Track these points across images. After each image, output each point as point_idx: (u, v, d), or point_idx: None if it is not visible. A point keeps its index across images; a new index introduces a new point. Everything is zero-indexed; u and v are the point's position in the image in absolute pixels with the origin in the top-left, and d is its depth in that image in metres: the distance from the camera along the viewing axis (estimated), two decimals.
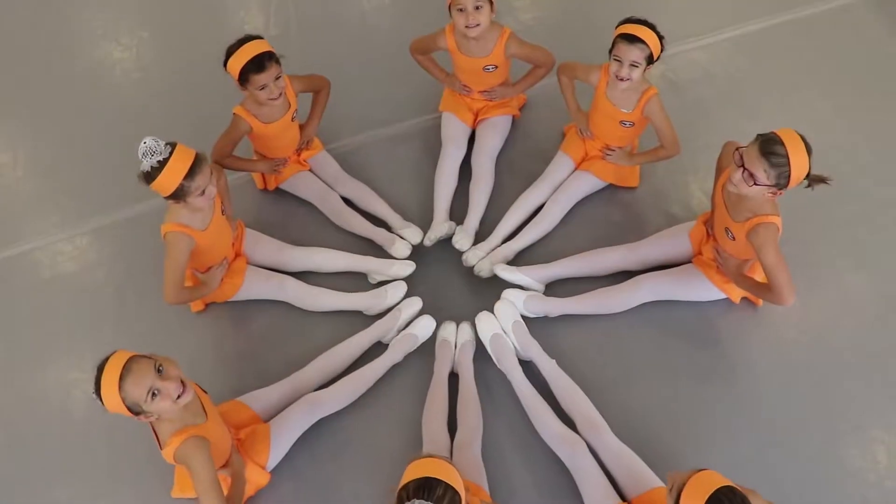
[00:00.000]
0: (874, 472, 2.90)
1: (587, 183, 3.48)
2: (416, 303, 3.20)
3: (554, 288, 3.29)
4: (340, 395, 2.99)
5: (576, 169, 3.52)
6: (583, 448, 2.81)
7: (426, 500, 2.08)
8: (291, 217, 3.50)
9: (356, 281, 3.32)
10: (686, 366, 3.14)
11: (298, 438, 2.90)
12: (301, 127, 3.41)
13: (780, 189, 2.70)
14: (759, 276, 3.12)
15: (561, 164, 3.50)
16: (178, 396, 2.34)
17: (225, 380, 3.11)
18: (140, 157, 2.68)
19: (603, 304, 3.20)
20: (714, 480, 2.13)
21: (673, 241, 3.26)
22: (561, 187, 3.47)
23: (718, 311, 3.24)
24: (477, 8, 3.15)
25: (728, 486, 2.11)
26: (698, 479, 2.14)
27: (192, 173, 2.70)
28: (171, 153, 2.68)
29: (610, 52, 3.14)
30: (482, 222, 3.43)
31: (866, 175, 3.53)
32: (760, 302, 3.21)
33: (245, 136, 3.25)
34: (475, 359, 3.11)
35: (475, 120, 3.63)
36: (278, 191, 3.53)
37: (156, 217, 3.39)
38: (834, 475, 2.90)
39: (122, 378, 2.26)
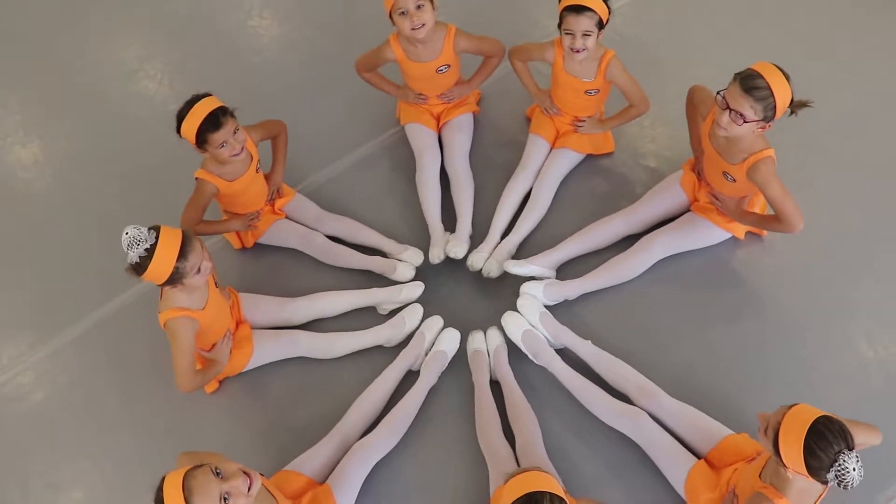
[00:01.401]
0: None
1: (567, 159, 3.49)
2: (436, 321, 3.16)
3: (565, 270, 3.30)
4: (388, 434, 2.92)
5: (552, 148, 3.53)
6: (644, 418, 2.83)
7: None
8: (279, 270, 3.40)
9: (367, 316, 3.26)
10: (713, 311, 3.20)
11: (361, 490, 2.82)
12: (266, 177, 3.32)
13: (768, 122, 2.76)
14: (759, 209, 3.20)
15: (536, 147, 3.51)
16: (249, 489, 2.23)
17: (265, 453, 3.00)
18: (125, 248, 2.57)
19: (618, 274, 3.22)
20: (809, 413, 2.16)
21: (667, 195, 3.31)
22: (542, 170, 3.48)
23: (727, 251, 3.31)
24: (419, 7, 3.12)
25: (825, 416, 2.14)
26: (793, 415, 2.17)
27: (184, 254, 2.60)
28: (157, 238, 2.58)
29: (559, 26, 3.15)
30: (474, 224, 3.41)
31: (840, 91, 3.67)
32: (765, 232, 3.28)
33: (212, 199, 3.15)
34: (510, 361, 3.08)
35: (438, 125, 3.60)
36: (258, 246, 3.43)
37: (137, 307, 3.34)
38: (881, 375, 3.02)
39: (188, 501, 2.12)
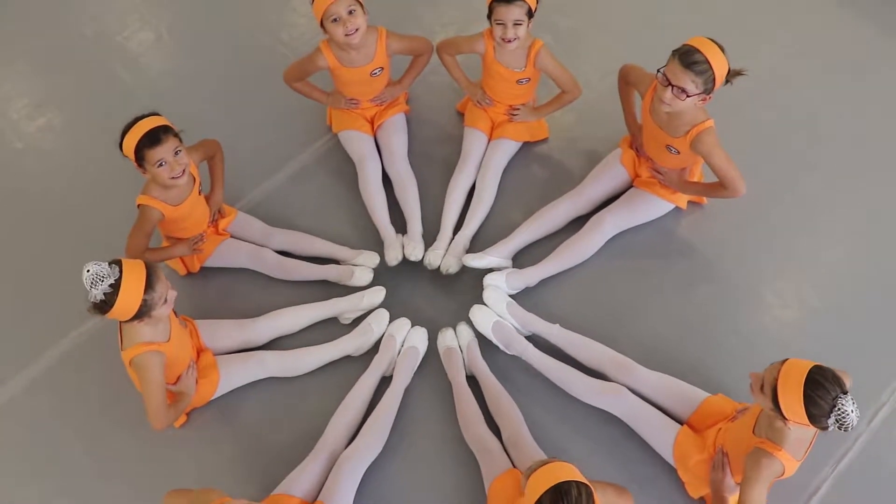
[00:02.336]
0: None
1: (506, 148, 3.55)
2: (404, 323, 3.16)
3: (520, 259, 3.36)
4: (372, 441, 2.90)
5: (489, 140, 3.58)
6: (625, 392, 2.92)
7: None
8: (232, 291, 3.31)
9: (329, 327, 3.22)
10: (668, 279, 3.34)
11: (354, 501, 2.79)
12: (206, 198, 3.22)
13: (708, 94, 2.90)
14: (698, 178, 3.35)
15: (474, 140, 3.55)
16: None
17: (248, 481, 2.92)
18: (88, 286, 2.45)
19: (574, 255, 3.30)
20: (802, 365, 2.29)
21: (610, 174, 3.41)
22: (484, 162, 3.53)
23: (672, 222, 3.45)
24: (351, 12, 3.11)
25: (817, 366, 2.28)
26: (788, 369, 2.29)
27: (150, 285, 2.51)
28: (120, 272, 2.47)
29: (489, 17, 3.21)
30: (422, 222, 3.42)
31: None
32: (705, 200, 3.44)
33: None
34: (482, 355, 3.12)
35: (373, 128, 3.59)
36: (205, 270, 3.32)
37: (85, 348, 3.19)
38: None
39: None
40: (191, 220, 3.13)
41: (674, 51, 2.89)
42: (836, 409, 2.21)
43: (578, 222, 3.38)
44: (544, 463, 2.22)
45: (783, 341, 3.19)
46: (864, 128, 3.76)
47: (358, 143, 3.52)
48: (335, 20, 3.11)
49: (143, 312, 2.52)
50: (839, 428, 2.22)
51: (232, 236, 3.34)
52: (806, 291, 3.32)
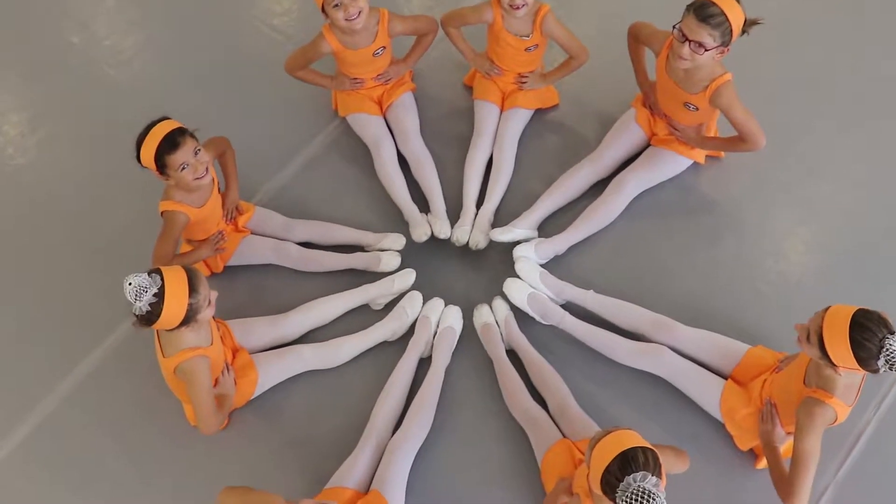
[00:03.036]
0: None
1: (519, 117, 3.54)
2: (437, 303, 3.16)
3: (545, 228, 3.36)
4: (419, 424, 2.90)
5: (501, 111, 3.56)
6: (666, 351, 2.94)
7: (640, 472, 2.11)
8: (259, 288, 3.28)
9: (362, 315, 3.21)
10: (695, 236, 3.37)
11: (408, 486, 2.81)
12: (222, 196, 3.19)
13: (726, 46, 2.89)
14: (714, 132, 3.35)
15: (487, 112, 3.53)
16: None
17: (300, 476, 2.92)
18: (132, 300, 2.43)
19: (599, 219, 3.30)
20: (845, 310, 2.31)
21: (626, 135, 3.41)
22: (498, 133, 3.51)
23: (692, 178, 3.46)
24: None
25: (861, 309, 2.30)
26: (831, 316, 2.31)
27: (193, 288, 2.49)
28: (162, 280, 2.45)
29: None
30: (445, 200, 3.41)
31: None
32: (723, 154, 3.44)
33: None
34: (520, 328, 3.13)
35: (382, 109, 3.56)
36: (230, 270, 3.29)
37: (111, 363, 3.19)
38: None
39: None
40: (212, 219, 3.11)
41: (688, 5, 2.87)
42: (885, 349, 2.23)
43: (599, 186, 3.39)
44: (608, 432, 2.23)
45: (812, 288, 3.23)
46: (872, 70, 3.79)
47: (369, 126, 3.49)
48: (336, 5, 3.08)
49: (189, 318, 2.51)
50: (890, 368, 2.24)
51: (252, 232, 3.30)
52: (828, 236, 3.36)
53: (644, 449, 2.15)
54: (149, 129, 2.79)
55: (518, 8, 3.17)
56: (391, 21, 3.29)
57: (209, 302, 2.56)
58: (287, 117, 3.72)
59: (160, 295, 2.44)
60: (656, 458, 2.16)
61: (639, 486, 2.09)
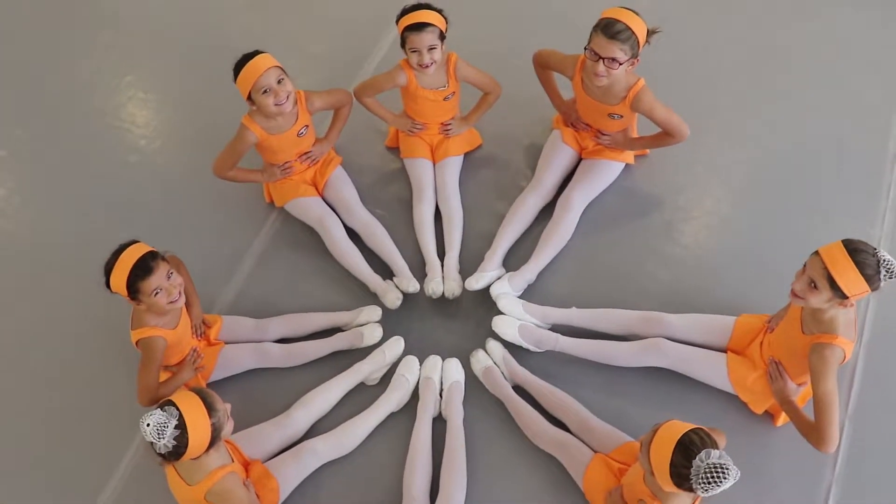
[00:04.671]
0: None
1: (454, 165, 3.68)
2: (435, 361, 3.20)
3: (508, 262, 3.48)
4: (457, 487, 2.89)
5: (434, 163, 3.68)
6: (664, 343, 3.07)
7: (703, 451, 2.21)
8: (250, 396, 3.21)
9: (363, 392, 3.21)
10: (649, 230, 3.60)
11: None
12: (188, 311, 3.13)
13: (635, 57, 3.12)
14: (635, 133, 3.57)
15: (420, 168, 3.64)
16: None
17: None
18: (154, 440, 2.36)
19: (557, 240, 3.44)
20: (834, 246, 2.52)
21: (558, 157, 3.60)
22: (438, 185, 3.63)
23: (628, 179, 3.69)
24: (279, 81, 3.17)
25: (848, 240, 2.52)
26: (829, 254, 2.50)
27: (210, 406, 2.45)
28: (178, 410, 2.40)
29: (403, 46, 3.35)
30: (404, 259, 3.49)
31: None
32: (647, 151, 3.68)
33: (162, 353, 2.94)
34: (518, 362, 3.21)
35: (318, 189, 3.60)
36: (213, 385, 3.22)
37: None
38: None
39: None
40: (186, 339, 3.06)
41: (594, 26, 3.09)
42: (882, 262, 2.46)
43: (547, 210, 3.54)
44: (653, 433, 2.34)
45: (769, 245, 3.50)
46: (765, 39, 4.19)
47: (310, 208, 3.53)
48: (266, 91, 3.13)
49: (215, 438, 2.46)
50: (890, 277, 2.47)
51: (226, 343, 3.25)
52: (761, 195, 3.68)
53: (694, 430, 2.27)
54: (118, 255, 2.75)
55: (427, 66, 3.31)
56: (309, 99, 3.36)
57: (228, 415, 2.52)
58: (224, 223, 3.70)
59: (182, 425, 2.38)
60: (708, 434, 2.28)
61: (707, 464, 2.20)
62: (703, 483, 2.21)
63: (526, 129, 3.89)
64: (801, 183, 3.70)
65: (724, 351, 3.07)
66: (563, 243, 3.45)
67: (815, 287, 2.53)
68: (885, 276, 2.47)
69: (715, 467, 2.20)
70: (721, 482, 2.19)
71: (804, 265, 2.58)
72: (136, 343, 2.90)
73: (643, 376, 3.13)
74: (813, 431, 2.65)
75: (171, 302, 2.83)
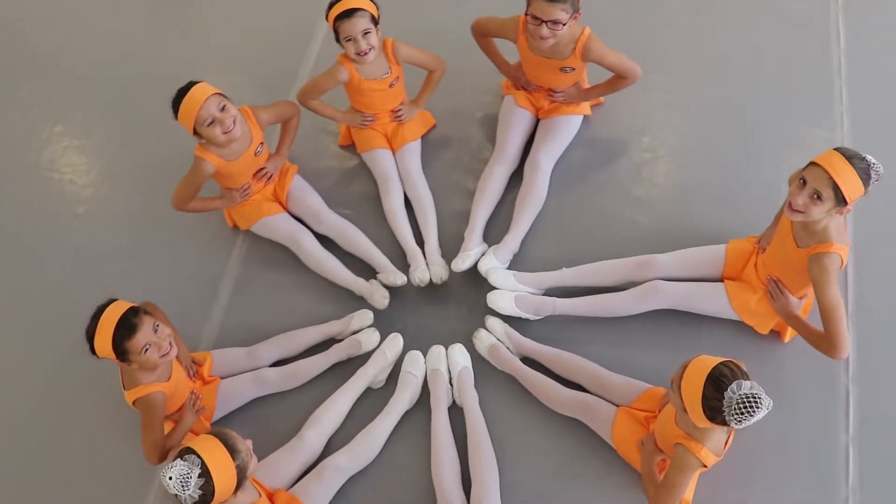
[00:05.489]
0: None
1: (414, 151, 3.63)
2: (439, 351, 3.17)
3: (489, 236, 3.44)
4: (488, 471, 2.86)
5: (393, 151, 3.63)
6: (661, 284, 3.07)
7: (734, 382, 2.22)
8: (259, 425, 3.10)
9: (371, 396, 3.15)
10: (619, 177, 3.61)
11: None
12: (178, 358, 3.02)
13: (577, 12, 3.10)
14: (586, 83, 3.56)
15: (381, 159, 3.59)
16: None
17: None
18: (179, 492, 2.27)
19: (533, 205, 3.42)
20: (832, 154, 2.53)
21: (517, 122, 3.56)
22: (402, 174, 3.58)
23: (588, 130, 3.70)
24: (223, 109, 3.07)
25: (837, 148, 2.55)
26: (828, 161, 2.51)
27: (232, 448, 2.37)
28: (199, 457, 2.31)
29: (337, 39, 3.27)
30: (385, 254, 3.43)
31: None
32: (602, 99, 3.66)
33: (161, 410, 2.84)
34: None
35: (282, 205, 3.52)
36: (220, 421, 3.14)
37: None
38: None
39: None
40: (182, 386, 2.96)
41: None
42: (871, 165, 2.49)
43: (516, 176, 3.52)
44: (683, 368, 2.33)
45: (745, 165, 3.55)
46: None
47: (278, 226, 3.44)
48: (211, 123, 3.03)
49: (241, 480, 2.38)
50: (877, 180, 2.50)
51: (222, 378, 3.16)
52: (718, 122, 3.71)
53: (724, 362, 2.28)
54: (97, 318, 2.64)
55: (365, 54, 3.24)
56: (256, 114, 3.27)
57: (251, 453, 2.44)
58: (191, 256, 3.58)
59: (206, 473, 2.29)
60: (738, 365, 2.29)
61: (739, 395, 2.21)
62: (737, 414, 2.21)
63: (476, 100, 3.85)
64: (757, 102, 3.73)
65: (720, 280, 3.08)
66: (538, 206, 3.43)
67: (820, 198, 2.53)
68: (874, 177, 2.50)
69: (747, 398, 2.20)
70: (755, 412, 2.20)
71: (800, 179, 2.58)
72: (134, 403, 2.80)
73: (646, 321, 3.13)
74: (823, 340, 2.67)
75: (164, 355, 2.73)
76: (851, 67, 3.78)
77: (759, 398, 2.20)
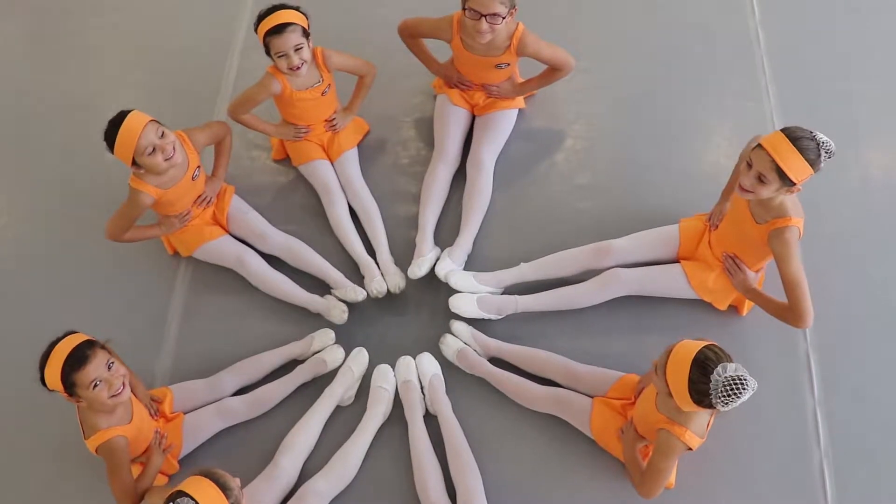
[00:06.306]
0: None
1: (352, 159, 3.58)
2: (408, 362, 3.14)
3: (441, 239, 3.43)
4: (472, 476, 2.85)
5: (332, 161, 3.54)
6: (620, 272, 3.11)
7: (719, 365, 2.27)
8: (227, 457, 3.01)
9: (342, 413, 3.11)
10: (563, 164, 3.64)
11: None
12: (134, 396, 2.91)
13: (514, 7, 3.09)
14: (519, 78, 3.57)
15: (321, 170, 3.52)
16: None
17: None
18: None
19: (479, 203, 3.41)
20: (774, 136, 2.59)
21: (453, 120, 3.55)
22: (344, 183, 3.52)
23: (524, 123, 3.70)
24: (162, 135, 2.95)
25: (782, 129, 2.61)
26: (770, 145, 2.56)
27: (224, 486, 2.29)
28: (192, 499, 2.22)
29: (268, 53, 3.18)
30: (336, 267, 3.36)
31: None
32: (536, 91, 3.65)
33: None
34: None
35: (223, 227, 3.41)
36: (185, 459, 3.03)
37: None
38: None
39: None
40: (145, 427, 2.84)
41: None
42: (821, 144, 2.55)
43: (459, 175, 3.50)
44: (667, 353, 2.37)
45: (671, 150, 3.61)
46: None
47: (220, 249, 3.33)
48: (152, 151, 2.91)
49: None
50: (829, 157, 2.56)
51: (185, 412, 3.05)
52: (647, 105, 3.77)
53: (708, 346, 2.33)
54: (52, 347, 2.55)
55: (298, 68, 3.17)
56: (192, 136, 3.16)
57: (241, 491, 2.37)
58: (132, 289, 3.43)
59: None
60: (721, 349, 2.34)
61: (725, 377, 2.26)
62: (724, 397, 2.26)
63: (407, 102, 3.81)
64: (683, 80, 3.82)
65: (675, 260, 3.14)
66: (486, 204, 3.42)
67: (764, 181, 2.60)
68: (824, 156, 2.56)
69: (733, 380, 2.25)
70: (741, 394, 2.25)
71: (747, 162, 2.64)
72: (96, 451, 2.68)
73: (608, 309, 3.17)
74: (787, 311, 2.75)
75: (114, 395, 2.61)
76: (769, 38, 3.90)
77: (745, 380, 2.26)
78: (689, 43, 3.92)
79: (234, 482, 2.34)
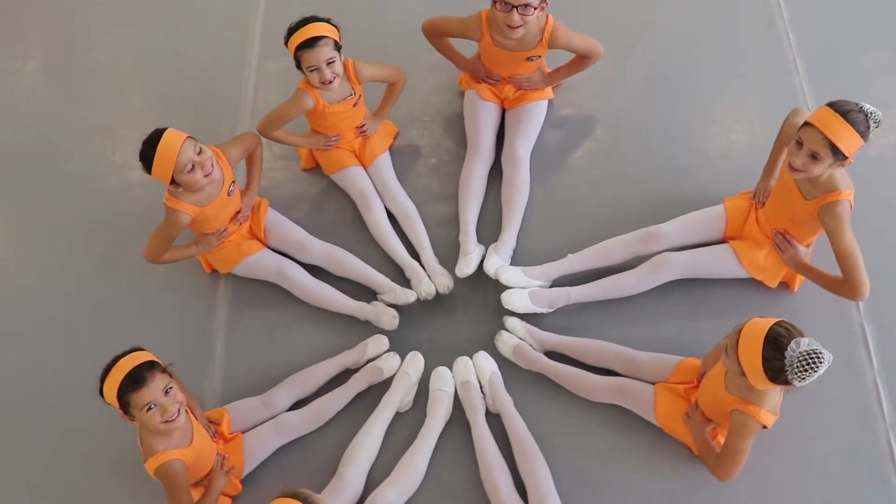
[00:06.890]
0: None
1: (386, 164, 3.56)
2: (465, 362, 3.13)
3: (483, 236, 3.41)
4: (542, 469, 2.84)
5: (366, 167, 3.53)
6: (670, 256, 3.10)
7: (792, 340, 2.26)
8: (289, 473, 3.01)
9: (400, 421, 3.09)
10: (600, 152, 3.64)
11: None
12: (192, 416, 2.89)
13: (544, 1, 3.08)
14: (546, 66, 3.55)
15: (355, 176, 3.49)
16: None
17: None
18: None
19: (519, 197, 3.40)
20: (822, 110, 2.59)
21: (484, 116, 3.53)
22: (380, 188, 3.50)
23: (556, 113, 3.69)
24: (199, 152, 2.91)
25: (829, 103, 2.60)
26: (820, 120, 2.56)
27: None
28: None
29: (299, 66, 3.16)
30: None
31: None
32: (561, 81, 3.63)
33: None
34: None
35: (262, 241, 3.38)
36: (246, 480, 3.01)
37: None
38: None
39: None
40: (206, 452, 2.82)
41: None
42: (869, 115, 2.55)
43: (495, 172, 3.49)
44: (737, 332, 2.37)
45: (706, 129, 3.60)
46: None
47: (263, 262, 3.30)
48: (191, 168, 2.88)
49: None
50: (877, 127, 2.57)
51: (243, 432, 3.03)
52: (678, 87, 3.76)
53: (778, 322, 2.32)
54: (115, 361, 2.53)
55: (330, 82, 3.15)
56: (226, 152, 3.13)
57: None
58: (173, 311, 3.40)
59: None
60: (792, 324, 2.33)
61: (800, 352, 2.25)
62: (800, 372, 2.25)
63: (435, 101, 3.79)
64: (711, 58, 3.81)
65: (722, 241, 3.14)
66: (525, 197, 3.41)
67: (817, 158, 2.59)
68: (873, 126, 2.56)
69: (808, 354, 2.25)
70: (817, 367, 2.24)
71: (797, 140, 2.63)
72: (154, 473, 2.66)
73: (660, 294, 3.15)
74: (842, 285, 2.75)
75: (167, 421, 2.57)
76: (792, 10, 3.90)
77: (820, 353, 2.25)
78: (711, 20, 3.91)
79: (320, 499, 2.32)
